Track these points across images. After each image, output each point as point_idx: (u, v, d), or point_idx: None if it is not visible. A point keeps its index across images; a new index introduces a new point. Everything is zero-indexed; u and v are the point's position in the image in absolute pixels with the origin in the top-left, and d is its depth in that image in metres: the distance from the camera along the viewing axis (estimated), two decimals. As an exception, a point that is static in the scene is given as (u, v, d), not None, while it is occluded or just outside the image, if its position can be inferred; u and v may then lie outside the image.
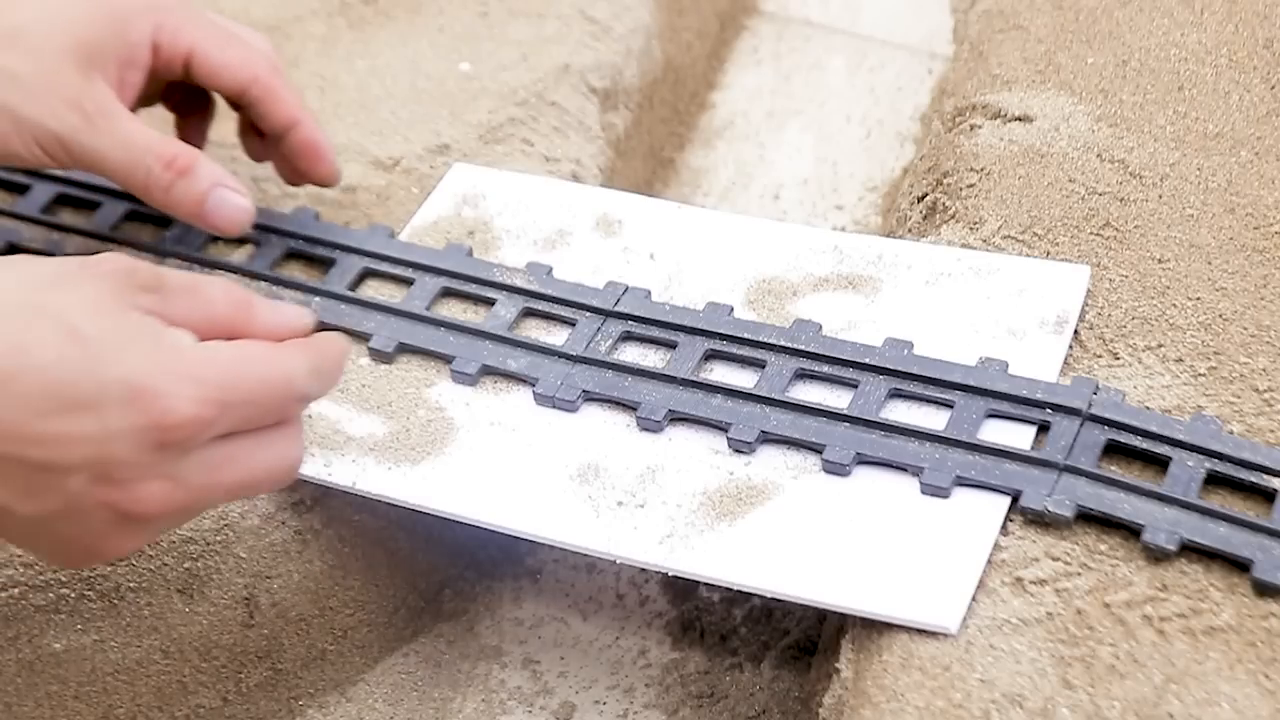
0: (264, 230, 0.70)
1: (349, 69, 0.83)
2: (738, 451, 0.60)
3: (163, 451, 0.48)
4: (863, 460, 0.58)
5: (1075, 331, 0.62)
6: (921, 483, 0.57)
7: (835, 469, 0.58)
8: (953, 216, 0.69)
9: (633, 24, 0.87)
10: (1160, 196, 0.68)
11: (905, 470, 0.58)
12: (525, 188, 0.73)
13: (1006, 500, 0.56)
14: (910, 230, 0.73)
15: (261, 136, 0.70)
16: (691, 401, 0.61)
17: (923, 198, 0.74)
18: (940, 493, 0.56)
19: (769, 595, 0.56)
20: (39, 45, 0.63)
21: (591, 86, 0.83)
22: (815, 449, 0.59)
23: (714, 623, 0.69)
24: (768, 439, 0.60)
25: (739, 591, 0.68)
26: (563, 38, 0.84)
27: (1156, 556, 0.54)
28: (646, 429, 0.61)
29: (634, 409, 0.62)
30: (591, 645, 0.69)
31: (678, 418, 0.61)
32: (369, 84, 0.82)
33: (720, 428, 0.61)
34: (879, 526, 0.56)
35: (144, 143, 0.63)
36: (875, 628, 0.54)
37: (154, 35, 0.65)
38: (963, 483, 0.56)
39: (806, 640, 0.68)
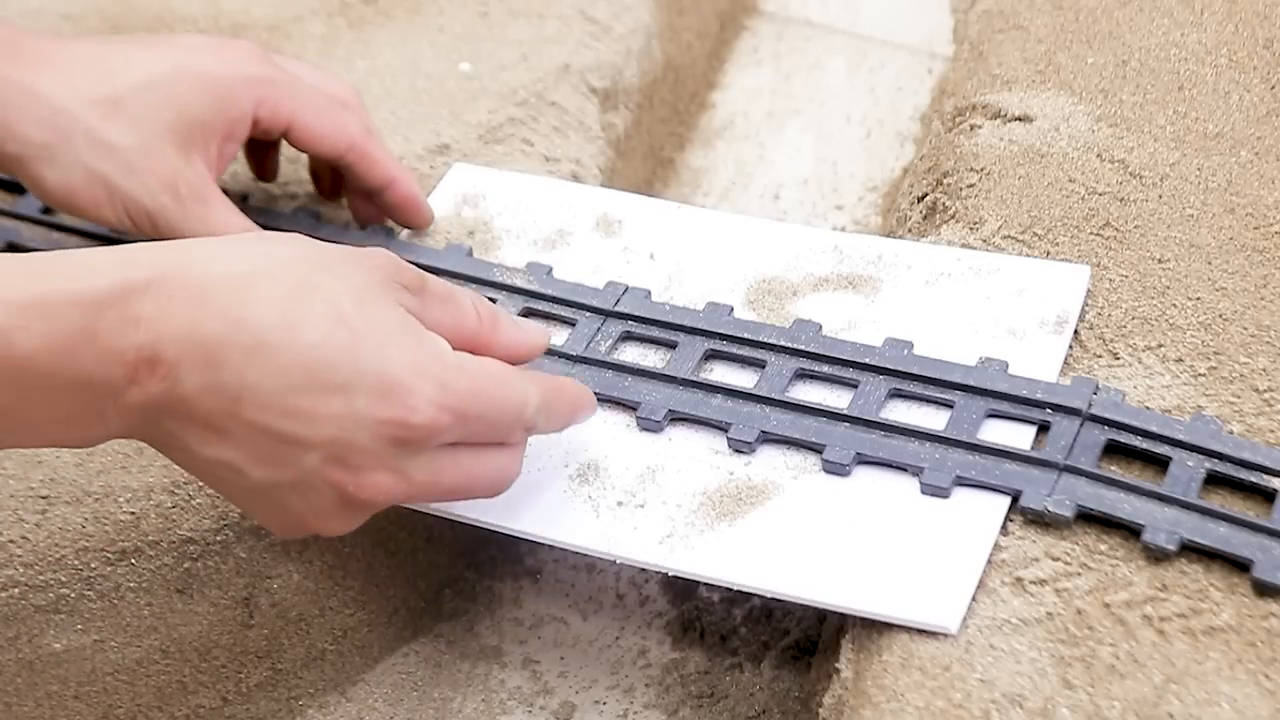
0: None
1: (349, 69, 0.83)
2: (738, 451, 0.60)
3: (398, 446, 0.50)
4: (863, 460, 0.58)
5: (1075, 331, 0.62)
6: (921, 483, 0.57)
7: (835, 469, 0.58)
8: (953, 216, 0.69)
9: (633, 24, 0.87)
10: (1160, 196, 0.68)
11: (905, 470, 0.58)
12: (525, 188, 0.73)
13: (1006, 500, 0.56)
14: (910, 230, 0.73)
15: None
16: (691, 401, 0.61)
17: (923, 198, 0.74)
18: (940, 493, 0.56)
19: (769, 595, 0.56)
20: (140, 117, 0.63)
21: (591, 86, 0.83)
22: (815, 449, 0.59)
23: (714, 623, 0.69)
24: (768, 439, 0.60)
25: (739, 591, 0.68)
26: (563, 38, 0.84)
27: (1157, 556, 0.53)
28: (646, 429, 0.61)
29: (634, 409, 0.62)
30: (591, 645, 0.69)
31: (678, 418, 0.61)
32: (369, 84, 0.82)
33: (720, 427, 0.61)
34: (879, 527, 0.56)
35: (231, 232, 0.64)
36: (875, 628, 0.54)
37: (255, 110, 0.66)
38: (963, 482, 0.56)
39: (806, 640, 0.68)
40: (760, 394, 0.61)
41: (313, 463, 0.50)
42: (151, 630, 0.61)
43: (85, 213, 0.64)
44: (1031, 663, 0.51)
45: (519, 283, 0.67)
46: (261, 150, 0.73)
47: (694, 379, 0.62)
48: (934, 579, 0.54)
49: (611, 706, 0.66)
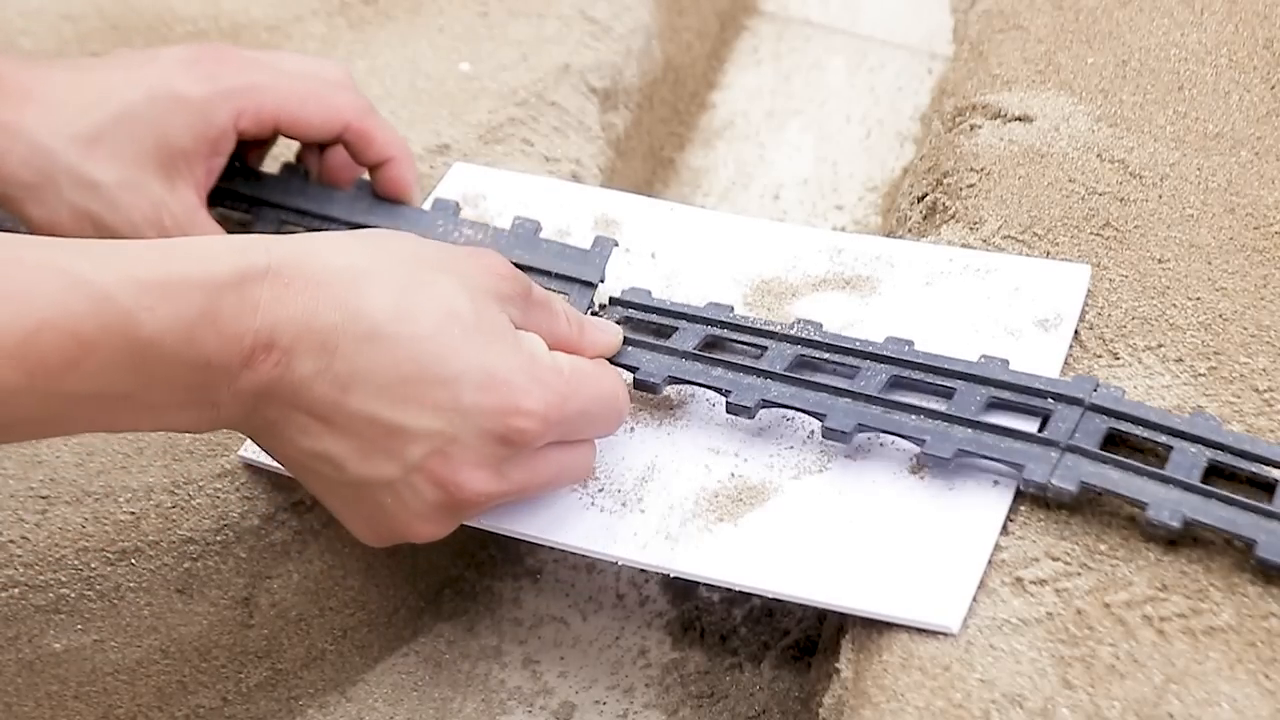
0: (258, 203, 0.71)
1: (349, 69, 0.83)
2: (735, 414, 0.60)
3: (501, 444, 0.52)
4: (863, 429, 0.58)
5: (1075, 331, 0.62)
6: (924, 453, 0.56)
7: (836, 436, 0.58)
8: (953, 216, 0.69)
9: (633, 24, 0.87)
10: (1160, 196, 0.68)
11: (907, 440, 0.57)
12: (525, 187, 0.73)
13: (1007, 499, 0.56)
14: (910, 230, 0.73)
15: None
16: (692, 370, 0.61)
17: (923, 198, 0.74)
18: (942, 464, 0.56)
19: (769, 596, 0.56)
20: (120, 151, 0.64)
21: (591, 86, 0.83)
22: (816, 416, 0.59)
23: (714, 623, 0.69)
24: (767, 405, 0.59)
25: (739, 591, 0.68)
26: (563, 38, 0.84)
27: (1159, 542, 0.53)
28: (644, 390, 0.61)
29: (633, 371, 0.61)
30: (591, 645, 0.69)
31: (675, 381, 0.61)
32: (369, 84, 0.81)
33: (721, 392, 0.60)
34: (879, 527, 0.56)
35: None
36: (875, 628, 0.54)
37: (237, 121, 0.66)
38: (964, 454, 0.56)
39: (806, 640, 0.68)
40: (762, 368, 0.60)
41: (416, 456, 0.51)
42: (151, 630, 0.61)
43: None
44: (1031, 663, 0.51)
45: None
46: (254, 146, 0.73)
47: (694, 351, 0.62)
48: (935, 579, 0.54)
49: (611, 706, 0.66)
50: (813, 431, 0.60)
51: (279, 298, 0.49)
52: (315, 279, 0.50)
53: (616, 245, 0.67)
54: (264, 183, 0.71)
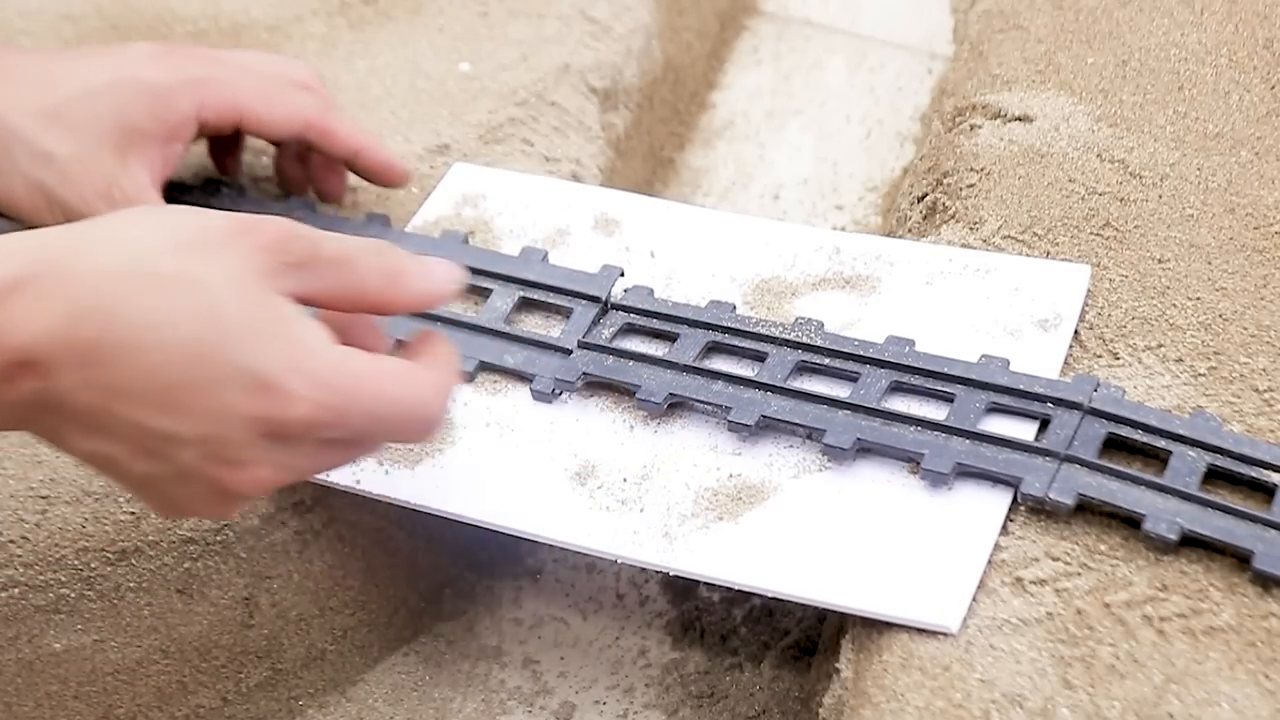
0: None
1: (349, 69, 0.83)
2: (734, 431, 0.60)
3: (273, 440, 0.49)
4: (863, 447, 0.58)
5: (1075, 332, 0.62)
6: (922, 469, 0.57)
7: (835, 454, 0.58)
8: (953, 216, 0.69)
9: (633, 24, 0.87)
10: (1160, 196, 0.68)
11: (906, 457, 0.57)
12: (525, 187, 0.73)
13: (1007, 500, 0.56)
14: (910, 230, 0.73)
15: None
16: (692, 387, 0.61)
17: (923, 198, 0.74)
18: (941, 480, 0.56)
19: (769, 595, 0.56)
20: (78, 126, 0.65)
21: (591, 86, 0.83)
22: (815, 433, 0.59)
23: (714, 623, 0.69)
24: (768, 424, 0.60)
25: (739, 591, 0.68)
26: (563, 38, 0.84)
27: (1158, 548, 0.53)
28: (645, 410, 0.61)
29: (632, 394, 0.62)
30: (591, 645, 0.69)
31: (678, 402, 0.61)
32: (369, 84, 0.82)
33: (721, 408, 0.60)
34: (879, 526, 0.56)
35: None
36: (875, 628, 0.54)
37: (198, 111, 0.67)
38: (964, 471, 0.56)
39: (806, 640, 0.68)
40: (762, 380, 0.61)
41: (188, 458, 0.49)
42: (151, 630, 0.61)
43: (28, 218, 0.65)
44: (1031, 663, 0.51)
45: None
46: (223, 147, 0.74)
47: (695, 365, 0.62)
48: (934, 579, 0.54)
49: (611, 706, 0.66)
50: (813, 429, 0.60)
51: (35, 311, 0.47)
52: (74, 288, 0.48)
53: (623, 275, 0.67)
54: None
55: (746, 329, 0.63)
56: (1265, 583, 0.52)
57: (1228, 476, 0.55)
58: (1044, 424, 0.58)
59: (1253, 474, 0.55)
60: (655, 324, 0.64)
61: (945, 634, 0.52)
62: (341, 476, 0.61)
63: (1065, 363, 0.61)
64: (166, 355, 0.48)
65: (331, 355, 0.50)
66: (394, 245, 0.54)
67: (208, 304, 0.48)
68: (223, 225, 0.51)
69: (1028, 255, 0.66)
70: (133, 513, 0.61)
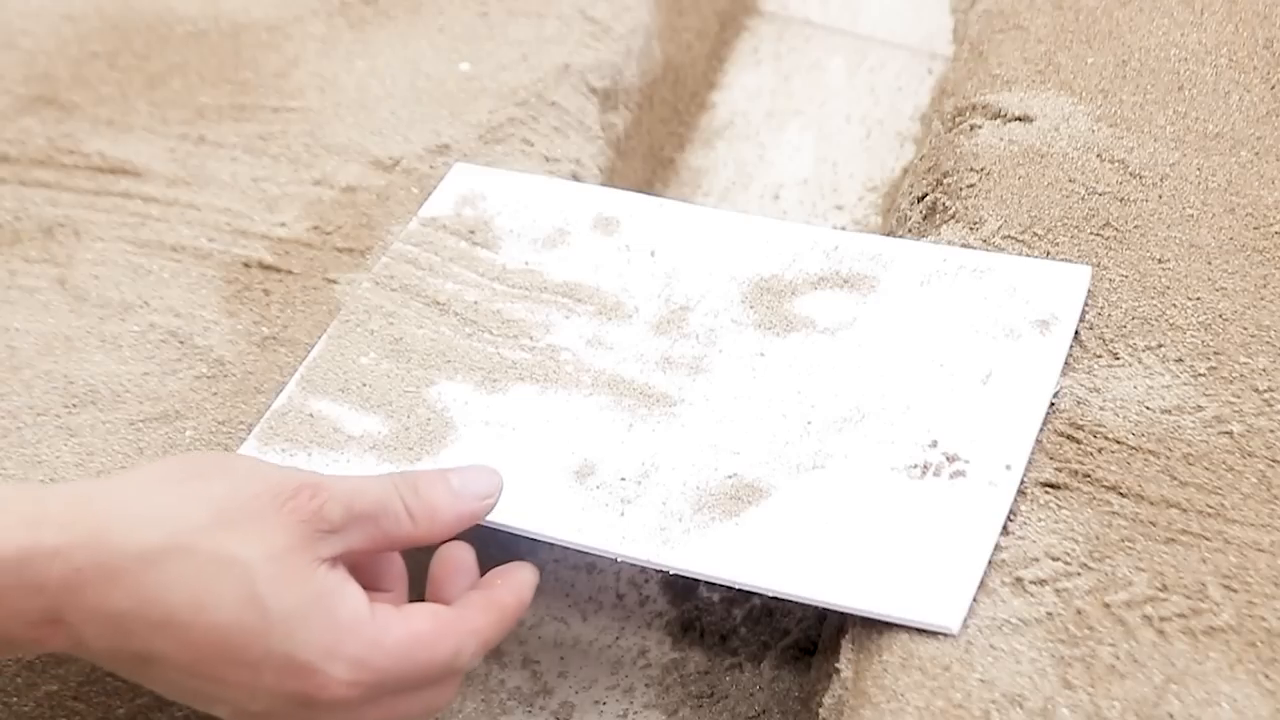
0: None
1: (349, 69, 0.83)
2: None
3: (305, 709, 0.50)
4: None
5: (1076, 332, 0.62)
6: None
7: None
8: (953, 216, 0.69)
9: (633, 24, 0.87)
10: (1160, 196, 0.68)
11: None
12: (525, 187, 0.73)
13: (1008, 498, 0.56)
14: (910, 230, 0.73)
15: None
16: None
17: (923, 198, 0.74)
18: None
19: (769, 594, 0.56)
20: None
21: (591, 86, 0.83)
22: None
23: (714, 623, 0.69)
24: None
25: (739, 591, 0.68)
26: (563, 38, 0.84)
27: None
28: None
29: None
30: (591, 645, 0.69)
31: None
32: (369, 84, 0.82)
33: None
34: (878, 525, 0.56)
35: None
36: (875, 628, 0.54)
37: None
38: None
39: (806, 640, 0.68)
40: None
41: (224, 713, 0.51)
42: (151, 630, 0.61)
43: None
44: (1031, 663, 0.51)
45: None
46: None
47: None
48: (935, 579, 0.54)
49: (611, 706, 0.66)
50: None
51: (68, 582, 0.48)
52: (108, 566, 0.48)
53: None
54: None
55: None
56: (1266, 579, 0.52)
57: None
58: None
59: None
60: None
61: (945, 634, 0.52)
62: None
63: (1065, 363, 0.61)
64: (201, 634, 0.49)
65: (368, 633, 0.50)
66: (427, 474, 0.54)
67: (247, 588, 0.49)
68: (260, 493, 0.51)
69: (1028, 255, 0.66)
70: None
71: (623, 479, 0.60)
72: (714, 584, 0.69)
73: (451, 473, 0.56)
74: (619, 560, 0.58)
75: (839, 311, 0.65)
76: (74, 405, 0.64)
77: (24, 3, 0.88)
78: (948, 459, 0.58)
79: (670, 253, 0.69)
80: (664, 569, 0.58)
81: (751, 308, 0.66)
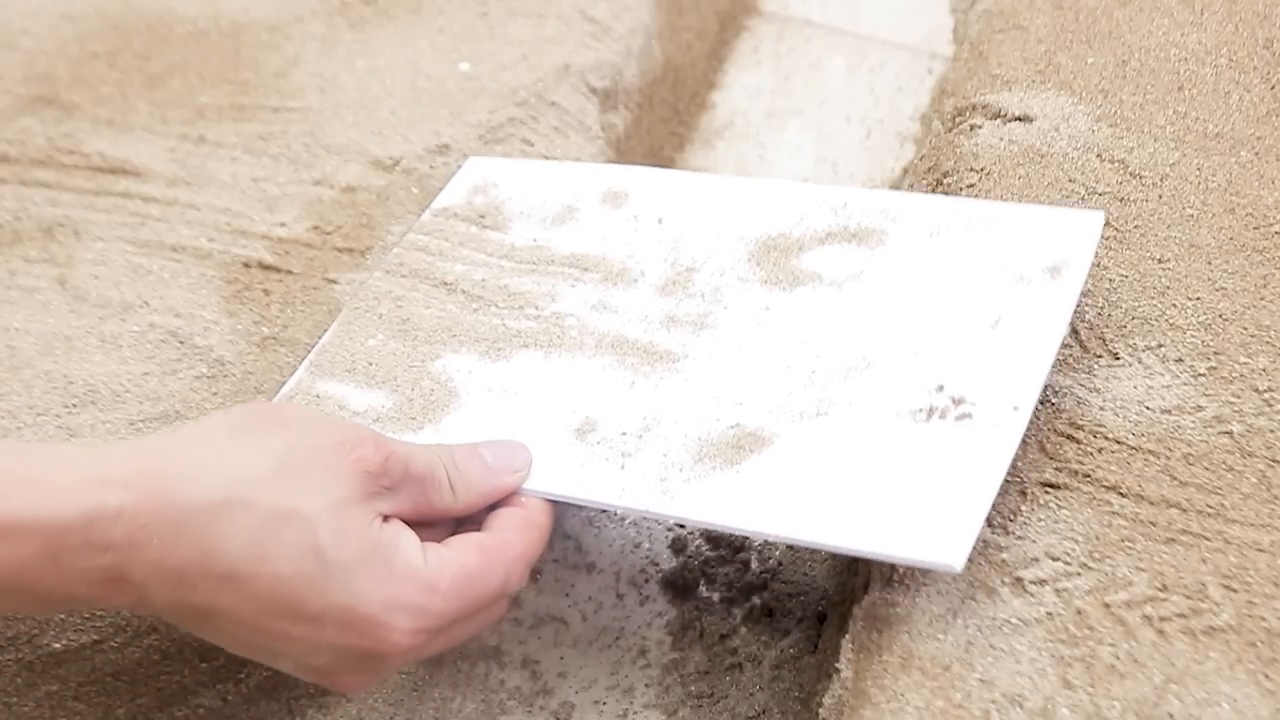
0: None
1: (349, 69, 0.83)
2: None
3: (366, 660, 0.51)
4: None
5: (1075, 331, 0.62)
6: None
7: None
8: (953, 216, 0.69)
9: (633, 24, 0.87)
10: (1160, 196, 0.68)
11: None
12: (536, 172, 0.73)
13: (1015, 439, 0.54)
14: (910, 230, 0.73)
15: None
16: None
17: (923, 198, 0.74)
18: None
19: (768, 538, 0.55)
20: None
21: (591, 86, 0.83)
22: None
23: (714, 623, 0.69)
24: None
25: (739, 591, 0.68)
26: (563, 38, 0.84)
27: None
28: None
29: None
30: (591, 645, 0.69)
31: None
32: (369, 84, 0.82)
33: None
34: (881, 468, 0.55)
35: None
36: (875, 627, 0.54)
37: None
38: None
39: (806, 640, 0.68)
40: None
41: (288, 666, 0.52)
42: (151, 630, 0.61)
43: None
44: (1031, 663, 0.51)
45: None
46: None
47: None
48: (938, 518, 0.52)
49: (611, 706, 0.66)
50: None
51: (133, 538, 0.48)
52: (171, 520, 0.48)
53: None
54: None
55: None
56: (1266, 579, 0.52)
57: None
58: None
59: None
60: None
61: (946, 632, 0.52)
62: None
63: (1065, 361, 0.61)
64: (263, 586, 0.49)
65: (424, 578, 0.51)
66: (464, 448, 0.56)
67: (308, 539, 0.49)
68: (323, 444, 0.51)
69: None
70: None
71: (624, 434, 0.59)
72: (714, 583, 0.69)
73: (484, 447, 0.57)
74: (618, 513, 0.58)
75: (846, 265, 0.64)
76: (74, 405, 0.64)
77: (24, 3, 0.88)
78: (954, 402, 0.57)
79: (678, 219, 0.69)
80: (663, 518, 0.57)
81: (758, 265, 0.65)
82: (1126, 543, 0.55)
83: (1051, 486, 0.57)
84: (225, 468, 0.50)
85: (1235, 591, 0.52)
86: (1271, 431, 0.57)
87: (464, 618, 0.53)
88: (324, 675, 0.53)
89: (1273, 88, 0.74)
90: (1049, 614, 0.53)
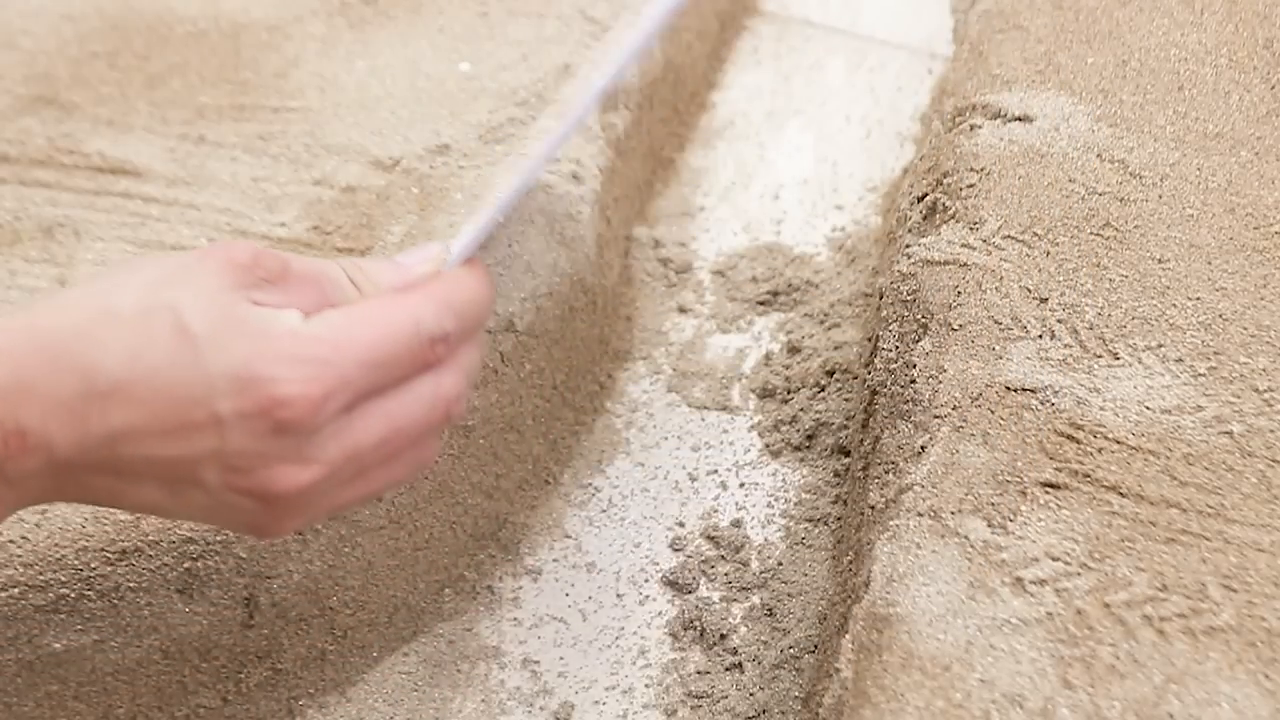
0: None
1: (349, 69, 0.83)
2: None
3: (281, 435, 0.48)
4: None
5: (1075, 330, 0.62)
6: None
7: None
8: (953, 216, 0.69)
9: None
10: (1160, 196, 0.68)
11: None
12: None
13: None
14: (910, 230, 0.73)
15: None
16: None
17: (923, 198, 0.74)
18: None
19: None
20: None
21: (591, 86, 0.83)
22: None
23: (714, 623, 0.69)
24: None
25: (739, 590, 0.68)
26: (563, 38, 0.84)
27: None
28: None
29: None
30: (591, 645, 0.69)
31: None
32: (369, 84, 0.82)
33: None
34: None
35: None
36: (875, 627, 0.54)
37: None
38: None
39: (807, 640, 0.68)
40: None
41: (212, 478, 0.49)
42: (151, 630, 0.61)
43: None
44: (1031, 663, 0.51)
45: None
46: None
47: None
48: None
49: (611, 706, 0.66)
50: None
51: (16, 381, 0.47)
52: (46, 348, 0.47)
53: None
54: None
55: None
56: (1266, 579, 0.52)
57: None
58: None
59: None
60: None
61: (945, 636, 0.52)
62: None
63: (1065, 362, 0.61)
64: (147, 385, 0.47)
65: (304, 330, 0.49)
66: (372, 261, 0.53)
67: (175, 325, 0.48)
68: (194, 252, 0.50)
69: (1028, 255, 0.66)
70: (133, 513, 0.61)
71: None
72: (714, 583, 0.69)
73: (398, 255, 0.54)
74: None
75: None
76: (74, 405, 0.64)
77: (24, 3, 0.88)
78: None
79: None
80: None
81: None
82: (1126, 543, 0.55)
83: (1051, 486, 0.57)
84: (93, 295, 0.49)
85: (1235, 591, 0.52)
86: (1271, 431, 0.57)
87: (379, 378, 0.50)
88: (259, 488, 0.49)
89: (1273, 88, 0.74)
90: (1049, 614, 0.53)
